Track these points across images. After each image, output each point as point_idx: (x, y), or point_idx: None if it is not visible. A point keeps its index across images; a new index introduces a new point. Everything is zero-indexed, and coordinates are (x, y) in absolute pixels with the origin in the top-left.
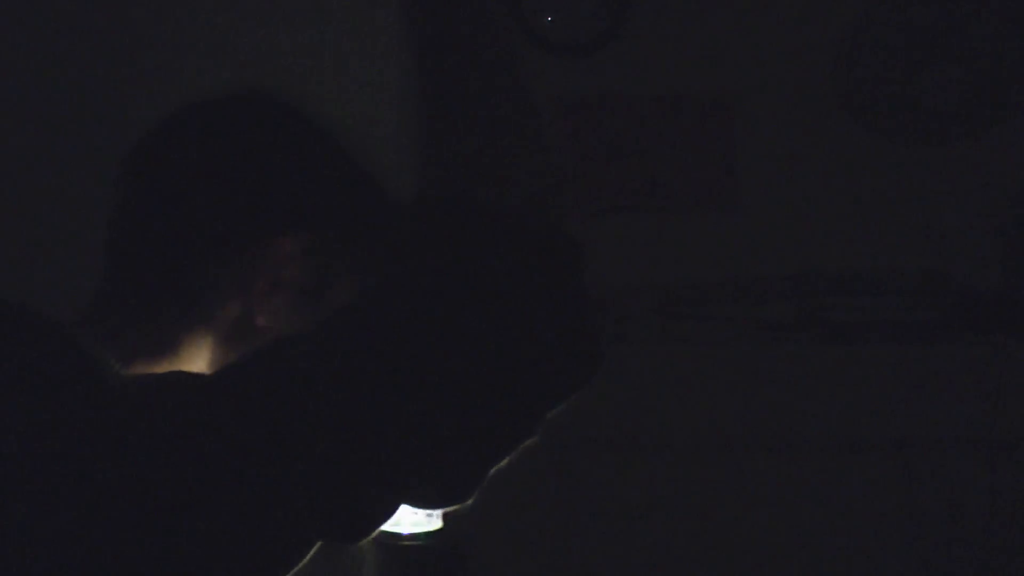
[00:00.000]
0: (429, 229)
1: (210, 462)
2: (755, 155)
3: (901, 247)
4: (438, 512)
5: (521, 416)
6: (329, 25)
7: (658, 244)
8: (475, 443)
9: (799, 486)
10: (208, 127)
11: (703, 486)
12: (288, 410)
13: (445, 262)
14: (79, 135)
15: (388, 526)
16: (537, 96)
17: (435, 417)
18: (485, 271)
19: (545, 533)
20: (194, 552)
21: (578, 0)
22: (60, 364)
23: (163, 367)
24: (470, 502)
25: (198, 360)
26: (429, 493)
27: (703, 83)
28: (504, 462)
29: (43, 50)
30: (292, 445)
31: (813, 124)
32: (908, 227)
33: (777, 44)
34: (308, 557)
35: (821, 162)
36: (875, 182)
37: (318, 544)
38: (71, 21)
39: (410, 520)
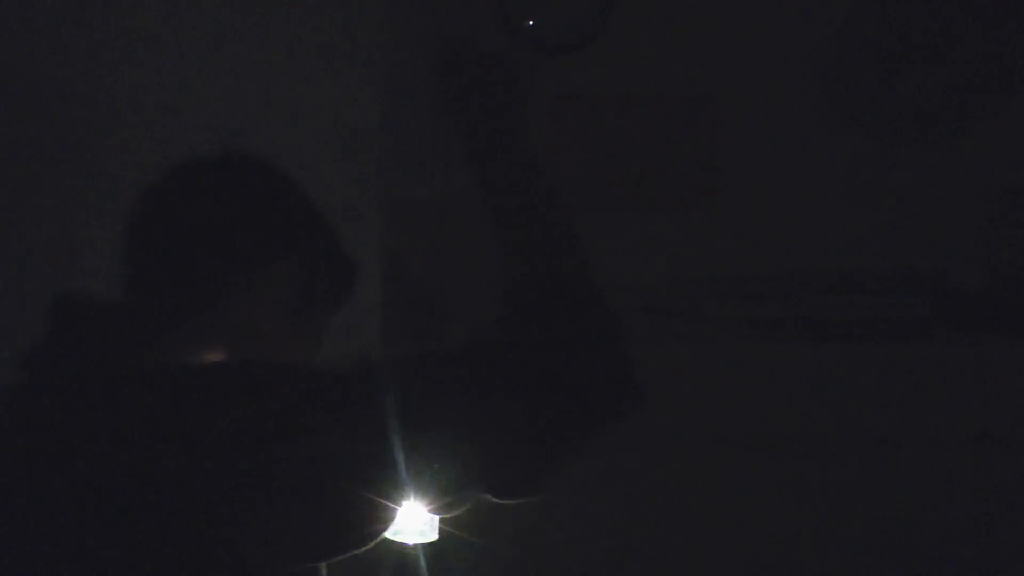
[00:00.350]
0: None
1: (348, 437)
2: (740, 154)
3: (887, 246)
4: (436, 525)
5: (570, 441)
6: (314, 30)
7: (642, 243)
8: (536, 455)
9: (786, 484)
10: (226, 175)
11: (689, 484)
12: (414, 407)
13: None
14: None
15: (394, 536)
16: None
17: (508, 430)
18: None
19: (534, 531)
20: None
21: (561, 2)
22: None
23: (193, 359)
24: (533, 498)
25: (218, 355)
26: (502, 486)
27: (687, 82)
28: (563, 473)
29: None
30: (409, 435)
31: (798, 123)
32: (894, 225)
33: (761, 43)
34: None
35: (806, 160)
36: (861, 181)
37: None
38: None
39: (414, 531)
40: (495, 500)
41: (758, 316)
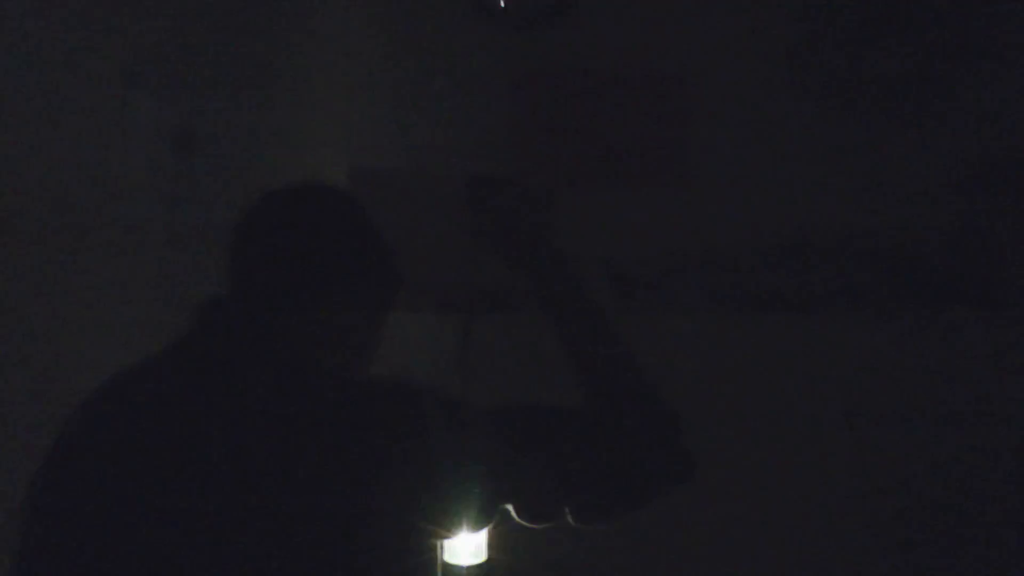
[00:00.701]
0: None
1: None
2: (708, 128)
3: (854, 220)
4: (484, 547)
5: (636, 492)
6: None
7: (610, 218)
8: (610, 496)
9: (749, 457)
10: (326, 209)
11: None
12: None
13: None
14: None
15: (450, 558)
16: (490, 71)
17: (590, 472)
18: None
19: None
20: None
21: None
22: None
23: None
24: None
25: (321, 353)
26: (583, 511)
27: (656, 58)
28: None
29: None
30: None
31: (765, 97)
32: (861, 200)
33: (729, 18)
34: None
35: (773, 135)
36: (827, 155)
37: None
38: None
39: (466, 552)
40: (574, 522)
41: (723, 290)
